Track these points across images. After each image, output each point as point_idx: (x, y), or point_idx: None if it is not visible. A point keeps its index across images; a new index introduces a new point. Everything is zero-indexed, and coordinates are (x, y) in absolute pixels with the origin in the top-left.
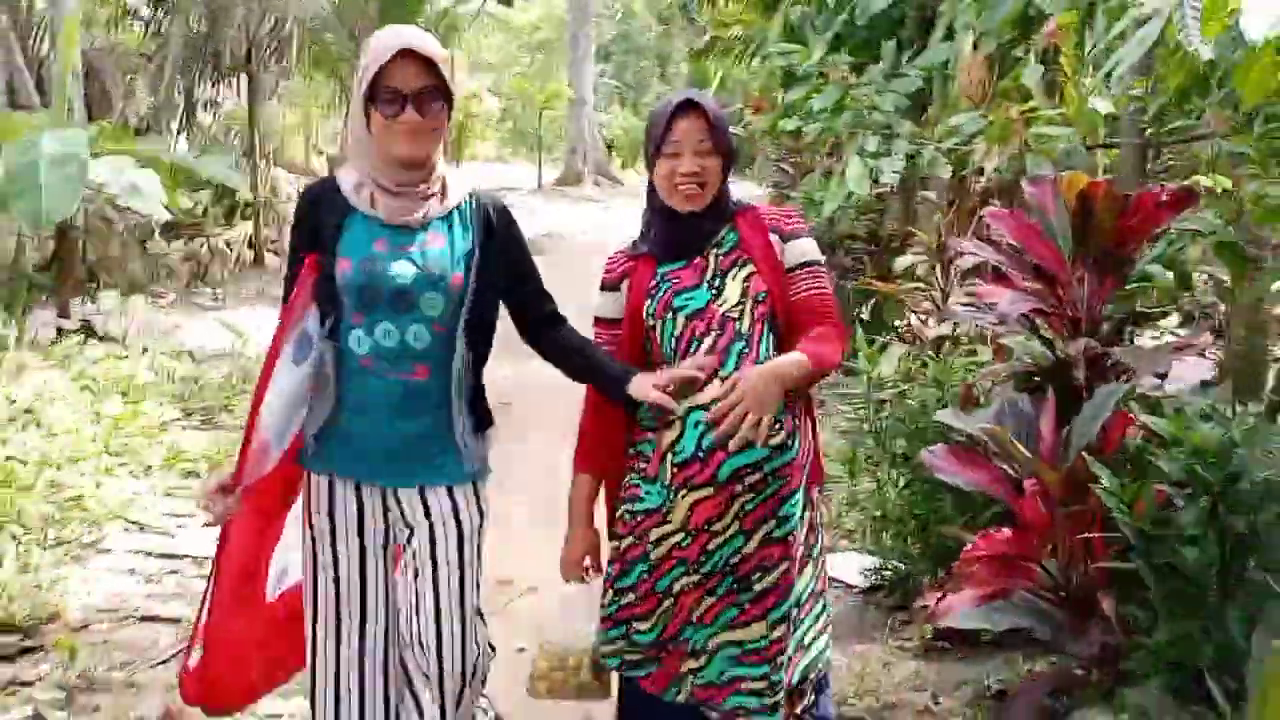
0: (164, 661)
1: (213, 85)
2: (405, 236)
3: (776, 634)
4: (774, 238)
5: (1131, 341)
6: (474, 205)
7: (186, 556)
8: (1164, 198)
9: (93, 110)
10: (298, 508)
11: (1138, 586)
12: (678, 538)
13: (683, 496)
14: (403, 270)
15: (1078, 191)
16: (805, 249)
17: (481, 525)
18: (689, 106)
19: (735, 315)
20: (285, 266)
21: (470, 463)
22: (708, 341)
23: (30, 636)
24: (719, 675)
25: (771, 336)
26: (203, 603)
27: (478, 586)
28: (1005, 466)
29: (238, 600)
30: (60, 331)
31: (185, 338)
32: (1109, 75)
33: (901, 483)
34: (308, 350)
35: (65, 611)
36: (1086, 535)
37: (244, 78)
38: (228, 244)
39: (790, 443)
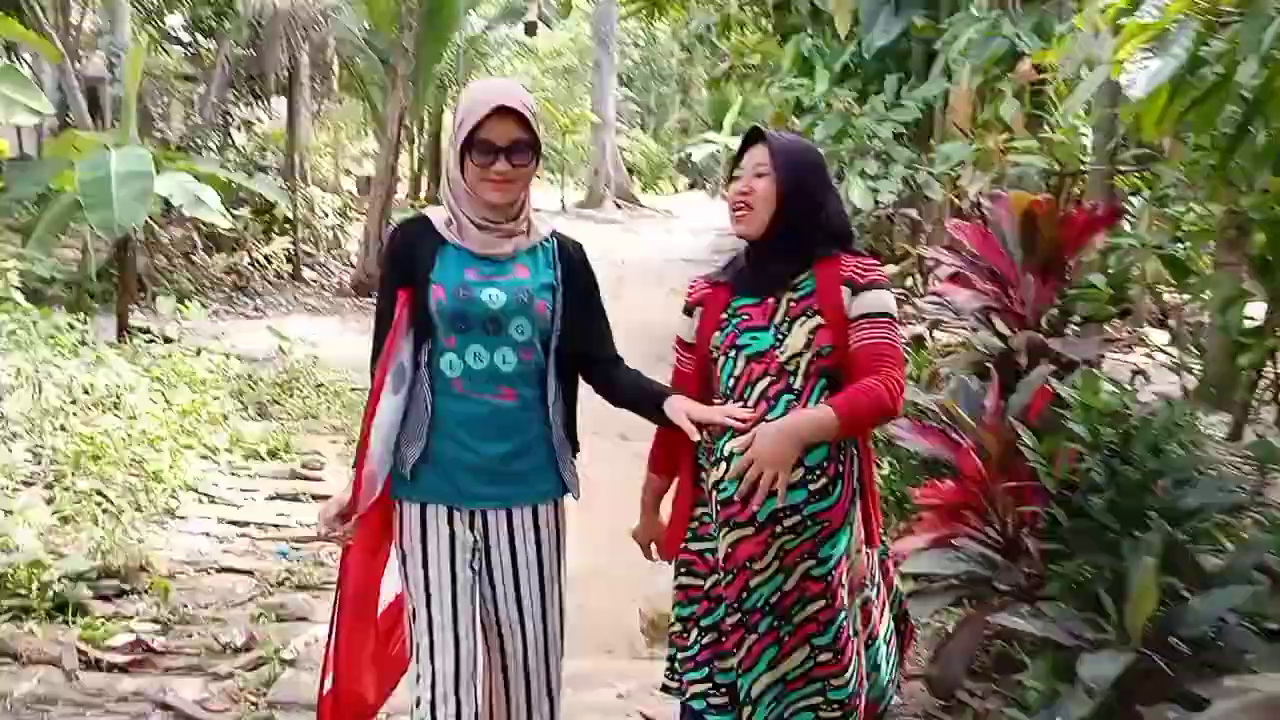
0: (242, 604)
1: (248, 107)
2: (494, 266)
3: (823, 658)
4: (845, 290)
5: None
6: (556, 243)
7: (251, 524)
8: (1096, 214)
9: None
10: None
11: (1057, 528)
12: (721, 577)
13: (724, 534)
14: (493, 296)
15: (1024, 209)
16: (873, 300)
17: (559, 539)
18: (754, 138)
19: (792, 368)
20: (379, 299)
21: (555, 483)
22: (761, 385)
23: (126, 581)
24: (769, 712)
25: (828, 390)
26: (330, 632)
27: (561, 604)
28: (955, 434)
29: (358, 624)
30: (122, 333)
31: (233, 342)
32: (1086, 110)
33: (886, 468)
34: (403, 380)
35: (153, 563)
36: (1017, 486)
37: (278, 100)
38: (267, 258)
39: (831, 489)
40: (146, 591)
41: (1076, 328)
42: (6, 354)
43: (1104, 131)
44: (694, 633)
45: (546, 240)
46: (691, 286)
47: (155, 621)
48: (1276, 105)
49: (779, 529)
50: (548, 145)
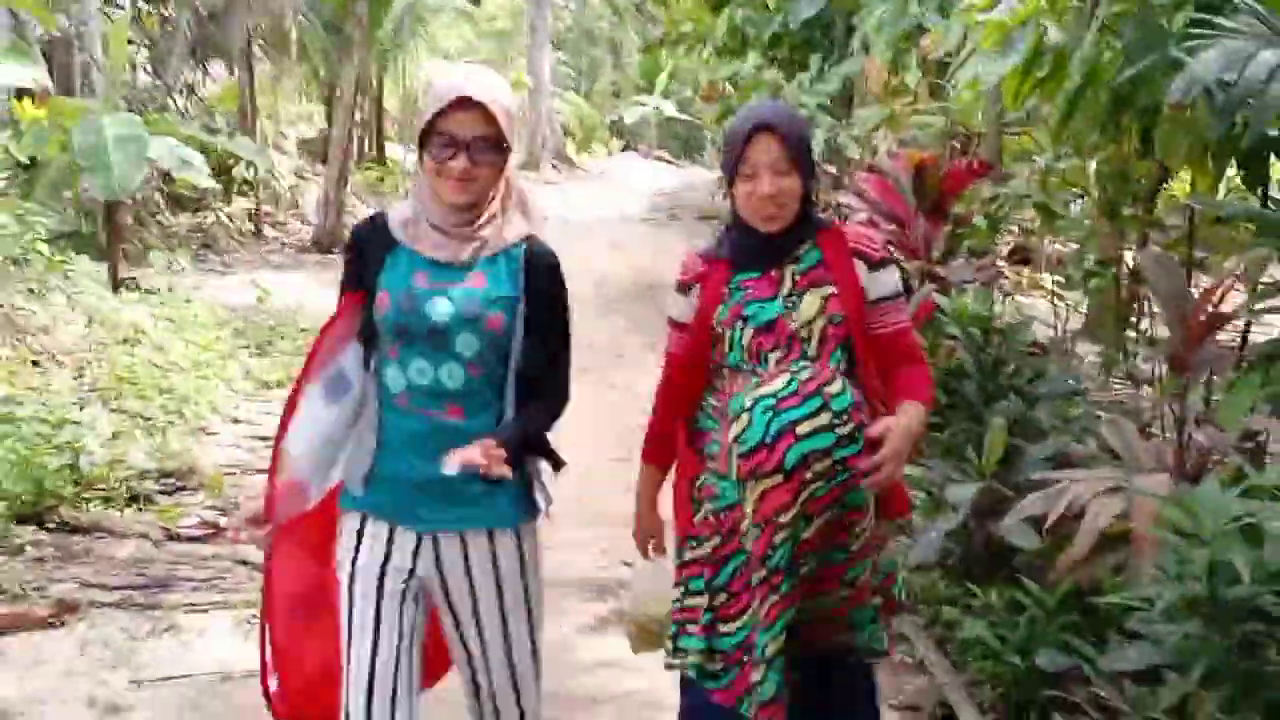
0: None
1: (191, 72)
2: (448, 274)
3: (857, 586)
4: (859, 263)
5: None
6: (525, 252)
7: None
8: (971, 168)
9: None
10: None
11: (938, 406)
12: (749, 531)
13: (751, 488)
14: (440, 308)
15: (916, 163)
16: (891, 281)
17: (523, 567)
18: (764, 128)
19: (805, 336)
20: (338, 297)
21: (514, 507)
22: (774, 357)
23: (181, 480)
24: (773, 694)
25: (844, 361)
26: (261, 633)
27: (532, 636)
28: None
29: (307, 627)
30: (115, 286)
31: (210, 294)
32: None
33: None
34: (345, 390)
35: (201, 466)
36: None
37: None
38: (229, 218)
39: (857, 435)
40: (200, 488)
41: (971, 259)
42: (44, 295)
43: (993, 98)
44: (704, 596)
45: (515, 247)
46: (685, 264)
47: (214, 509)
48: (1099, 83)
49: (809, 475)
50: None
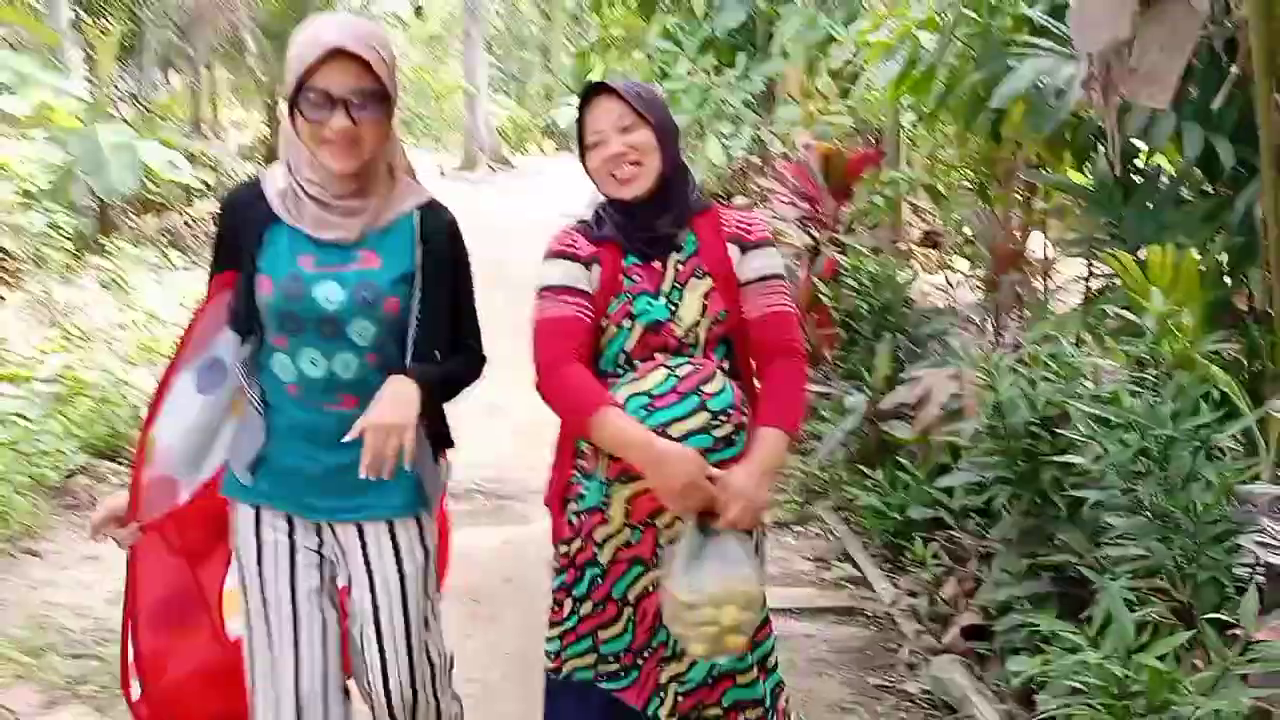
0: None
1: (168, 81)
2: (335, 254)
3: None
4: (733, 249)
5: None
6: (417, 219)
7: None
8: (866, 156)
9: None
10: None
11: (842, 343)
12: (624, 536)
13: (617, 490)
14: (329, 294)
15: (824, 152)
16: (766, 263)
17: (427, 562)
18: (598, 91)
19: (690, 340)
20: (209, 278)
21: (413, 496)
22: (658, 359)
23: None
24: (706, 676)
25: (727, 359)
26: (123, 635)
27: (429, 624)
28: None
29: (177, 631)
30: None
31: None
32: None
33: None
34: (219, 379)
35: None
36: (818, 319)
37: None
38: (194, 219)
39: (735, 438)
40: None
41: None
42: (72, 282)
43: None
44: (568, 604)
45: (408, 216)
46: (568, 236)
47: None
48: (958, 86)
49: None
50: (414, 112)
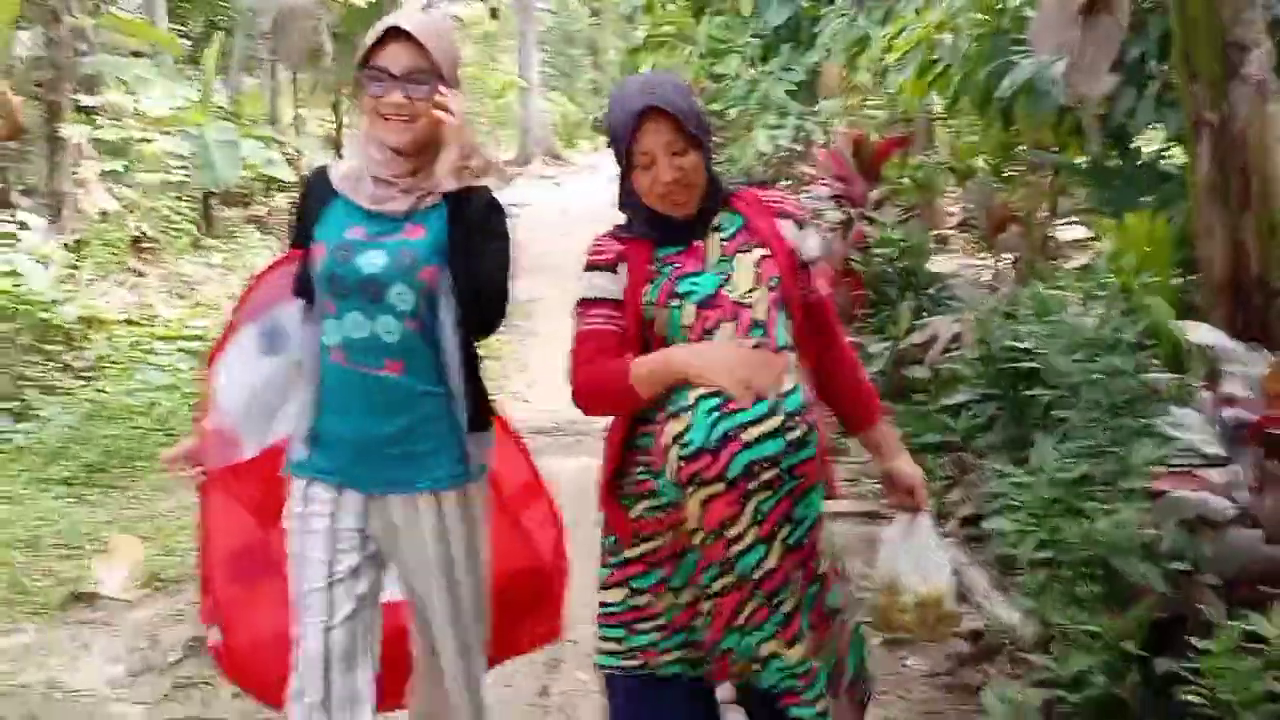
0: None
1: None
2: (385, 225)
3: (806, 647)
4: (786, 223)
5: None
6: (462, 197)
7: None
8: (892, 143)
9: None
10: None
11: (872, 302)
12: (699, 536)
13: (691, 494)
14: (373, 260)
15: (854, 139)
16: (817, 244)
17: (471, 531)
18: (650, 112)
19: (748, 303)
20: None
21: (458, 468)
22: (724, 330)
23: None
24: (777, 683)
25: (786, 323)
26: (200, 577)
27: (476, 594)
28: None
29: (252, 589)
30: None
31: None
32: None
33: None
34: (282, 345)
35: None
36: (849, 280)
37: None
38: (274, 209)
39: (808, 439)
40: None
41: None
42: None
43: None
44: (667, 596)
45: (456, 194)
46: (599, 244)
47: None
48: (972, 80)
49: (753, 485)
50: (469, 109)
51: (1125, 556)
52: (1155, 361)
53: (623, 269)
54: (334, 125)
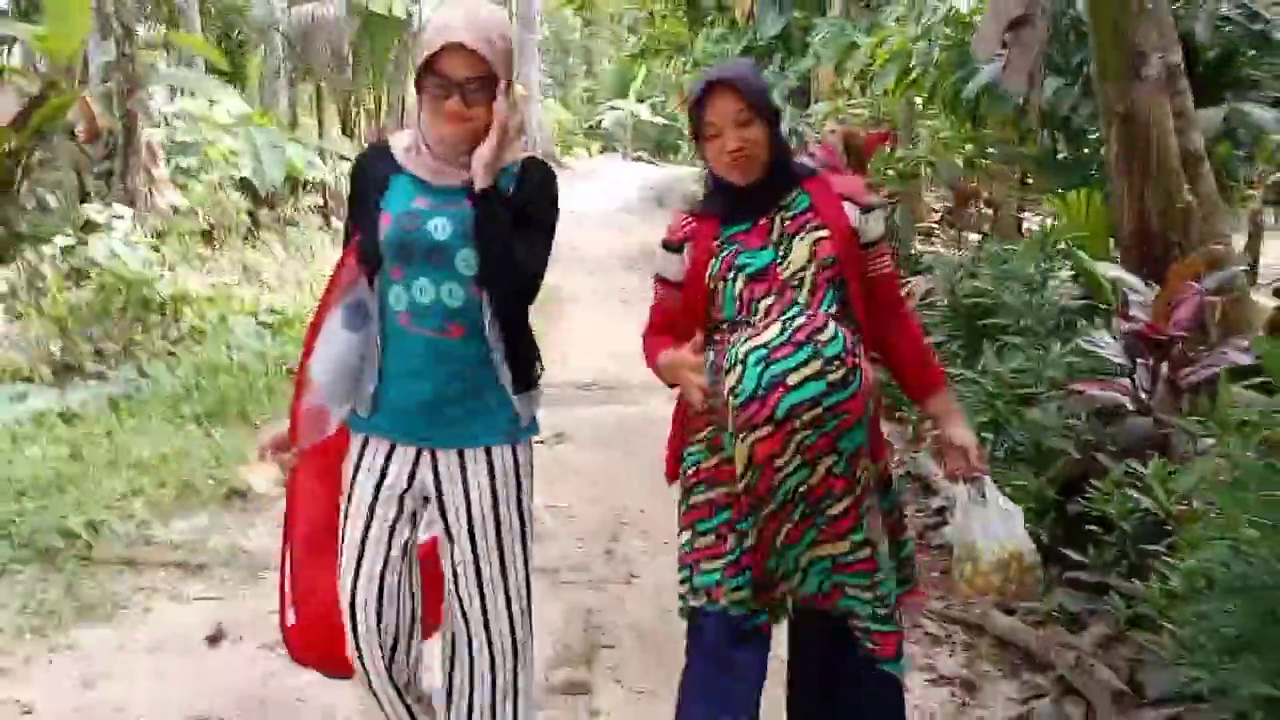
0: None
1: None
2: (448, 196)
3: (864, 553)
4: (849, 206)
5: None
6: (518, 169)
7: None
8: (875, 137)
9: None
10: None
11: None
12: (747, 479)
13: (744, 439)
14: (440, 226)
15: (844, 135)
16: (881, 226)
17: (520, 492)
18: (717, 84)
19: (796, 283)
20: (344, 230)
21: (509, 425)
22: (765, 303)
23: None
24: (819, 587)
25: (836, 304)
26: (282, 563)
27: (525, 555)
28: None
29: (319, 559)
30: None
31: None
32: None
33: None
34: (364, 319)
35: None
36: None
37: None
38: (298, 210)
39: (850, 379)
40: None
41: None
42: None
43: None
44: (731, 538)
45: (512, 166)
46: (675, 222)
47: None
48: (944, 83)
49: (797, 423)
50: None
51: (1049, 434)
52: (1081, 297)
53: (686, 247)
54: (349, 130)
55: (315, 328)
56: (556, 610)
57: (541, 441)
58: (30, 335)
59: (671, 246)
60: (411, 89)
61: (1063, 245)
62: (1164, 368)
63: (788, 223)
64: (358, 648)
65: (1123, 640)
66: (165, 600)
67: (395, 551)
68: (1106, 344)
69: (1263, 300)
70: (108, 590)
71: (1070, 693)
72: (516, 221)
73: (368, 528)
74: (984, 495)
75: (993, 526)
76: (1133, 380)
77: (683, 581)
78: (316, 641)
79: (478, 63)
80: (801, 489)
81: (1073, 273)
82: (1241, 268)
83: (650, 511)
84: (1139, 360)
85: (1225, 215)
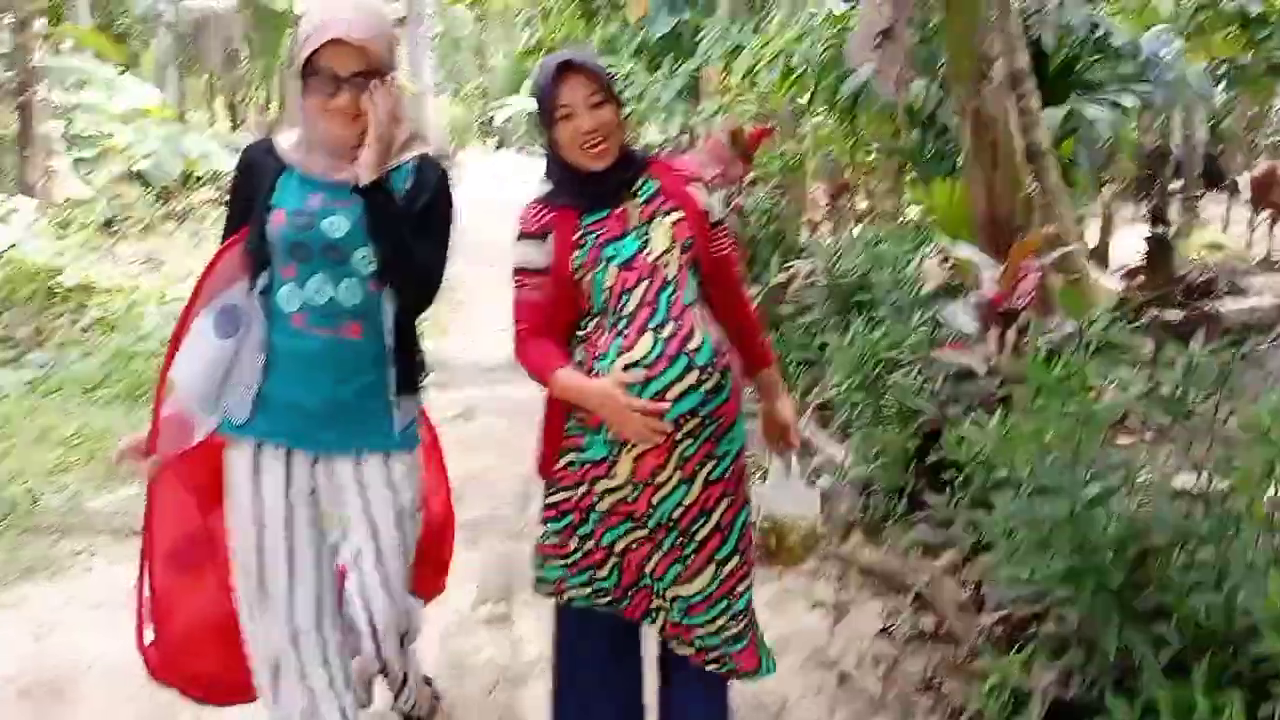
0: None
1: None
2: (342, 193)
3: (725, 570)
4: (696, 187)
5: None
6: (412, 167)
7: None
8: (758, 133)
9: None
10: None
11: (750, 256)
12: (623, 492)
13: (626, 451)
14: (335, 224)
15: (731, 130)
16: (719, 205)
17: (414, 499)
18: (569, 67)
19: (664, 263)
20: (223, 233)
21: (404, 427)
22: (638, 291)
23: None
24: (680, 619)
25: (694, 281)
26: (140, 578)
27: (405, 550)
28: None
29: (186, 579)
30: None
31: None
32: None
33: None
34: (236, 325)
35: None
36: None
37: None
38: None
39: (723, 383)
40: None
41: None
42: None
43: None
44: (573, 541)
45: (406, 164)
46: (528, 212)
47: None
48: (824, 83)
49: (679, 434)
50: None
51: (909, 395)
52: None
53: (550, 238)
54: (237, 123)
55: (178, 334)
56: (477, 557)
57: (460, 415)
58: None
59: (531, 235)
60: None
61: (924, 230)
62: (1009, 335)
63: (643, 208)
64: (301, 669)
65: (970, 562)
66: (104, 562)
67: (325, 555)
68: (960, 316)
69: (1107, 283)
70: (48, 554)
71: (925, 608)
72: (415, 220)
73: (291, 535)
74: (792, 470)
75: (798, 501)
76: (980, 345)
77: (535, 568)
78: (177, 662)
79: (363, 56)
80: (677, 512)
81: (942, 255)
82: (1074, 247)
83: None
84: (987, 328)
85: (1068, 204)
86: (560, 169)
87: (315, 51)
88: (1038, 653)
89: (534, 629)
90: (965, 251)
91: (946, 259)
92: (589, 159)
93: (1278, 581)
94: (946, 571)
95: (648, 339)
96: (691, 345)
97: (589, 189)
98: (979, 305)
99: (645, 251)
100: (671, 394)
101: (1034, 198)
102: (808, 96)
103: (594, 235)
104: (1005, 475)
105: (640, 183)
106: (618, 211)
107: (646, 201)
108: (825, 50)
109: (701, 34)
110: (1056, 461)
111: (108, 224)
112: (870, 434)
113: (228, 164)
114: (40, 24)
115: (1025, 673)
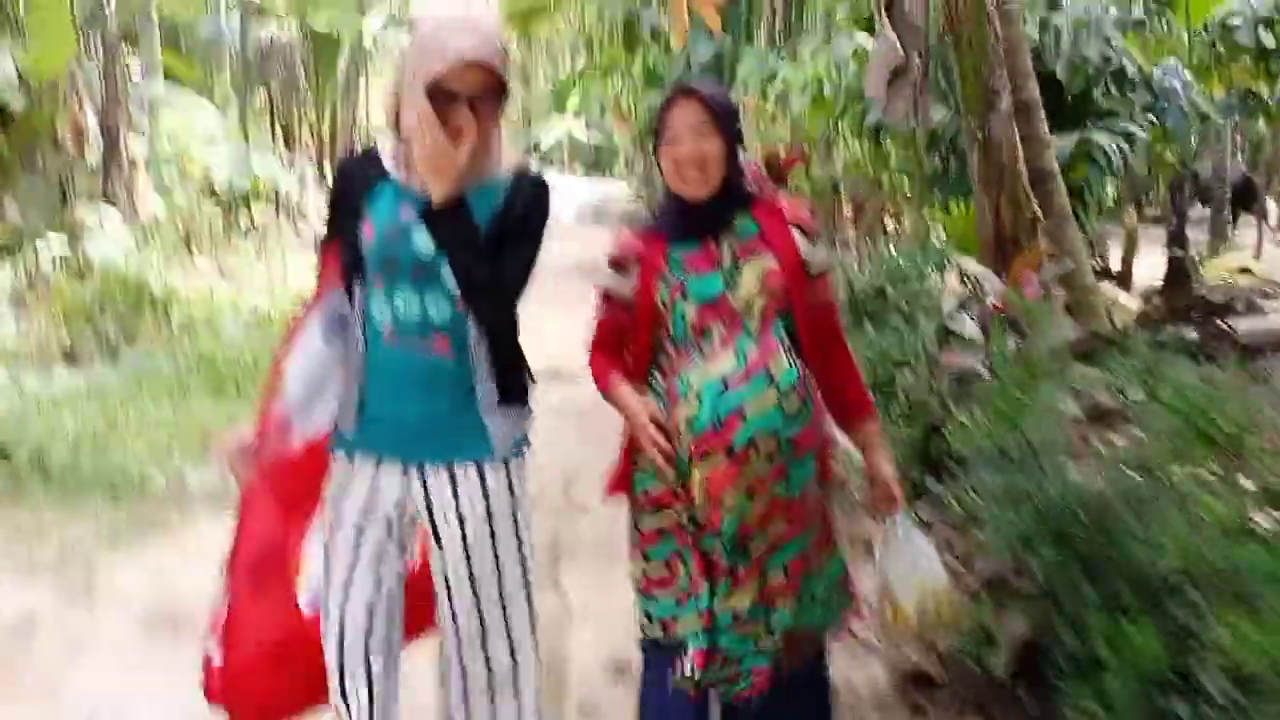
0: None
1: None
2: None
3: (775, 582)
4: (798, 234)
5: None
6: (510, 182)
7: None
8: (791, 158)
9: None
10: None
11: None
12: (701, 505)
13: (699, 467)
14: (425, 241)
15: (766, 153)
16: (825, 257)
17: (514, 506)
18: (684, 93)
19: (747, 310)
20: (326, 236)
21: (499, 440)
22: (716, 332)
23: None
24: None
25: (783, 334)
26: (223, 594)
27: (524, 572)
28: None
29: (257, 592)
30: None
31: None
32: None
33: None
34: (340, 331)
35: None
36: None
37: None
38: (265, 217)
39: (804, 411)
40: None
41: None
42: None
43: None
44: (680, 566)
45: (503, 179)
46: (621, 240)
47: None
48: (852, 110)
49: (754, 454)
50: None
51: (916, 393)
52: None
53: (635, 269)
54: (290, 144)
55: (296, 329)
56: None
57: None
58: (38, 326)
59: (619, 265)
60: (362, 105)
61: (938, 248)
62: (1010, 341)
63: (738, 247)
64: (342, 688)
65: (963, 536)
66: (205, 526)
67: (387, 580)
68: (966, 323)
69: (1126, 301)
70: (161, 518)
71: None
72: (507, 235)
73: (356, 556)
74: (899, 533)
75: (912, 568)
76: (986, 351)
77: (641, 610)
78: (236, 686)
79: (489, 75)
80: (735, 530)
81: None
82: (1070, 265)
83: (599, 466)
84: (990, 334)
85: (1074, 225)
86: (664, 194)
87: (441, 76)
88: (1010, 603)
89: (578, 585)
90: (973, 267)
91: (963, 276)
92: (685, 187)
93: (1183, 530)
94: (941, 546)
95: (730, 356)
96: (774, 366)
97: (682, 218)
98: (982, 313)
99: (732, 293)
100: (750, 410)
101: (1037, 219)
102: (834, 124)
103: (681, 268)
104: (988, 456)
105: (739, 220)
106: (709, 245)
107: (742, 241)
108: (852, 80)
109: (739, 62)
110: (1025, 444)
111: (185, 238)
112: (882, 430)
113: (288, 182)
114: (125, 49)
115: (999, 621)
